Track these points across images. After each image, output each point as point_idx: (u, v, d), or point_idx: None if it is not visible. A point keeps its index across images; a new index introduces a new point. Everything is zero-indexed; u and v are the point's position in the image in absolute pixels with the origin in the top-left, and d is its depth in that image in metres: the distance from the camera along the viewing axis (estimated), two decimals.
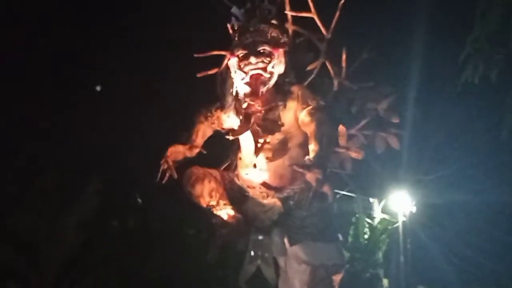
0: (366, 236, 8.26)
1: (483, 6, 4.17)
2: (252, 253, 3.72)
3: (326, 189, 3.33)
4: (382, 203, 9.06)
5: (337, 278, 3.67)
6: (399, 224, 8.84)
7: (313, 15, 3.77)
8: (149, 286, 6.30)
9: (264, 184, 3.66)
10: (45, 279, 6.33)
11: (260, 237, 3.73)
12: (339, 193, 7.98)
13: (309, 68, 3.88)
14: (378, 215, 8.93)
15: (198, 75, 3.96)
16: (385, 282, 8.34)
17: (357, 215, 8.33)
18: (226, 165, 4.01)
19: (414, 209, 8.99)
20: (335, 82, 3.82)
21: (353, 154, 3.69)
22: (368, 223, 8.47)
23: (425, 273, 8.50)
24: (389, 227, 8.68)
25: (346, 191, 8.34)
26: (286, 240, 3.68)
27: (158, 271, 6.14)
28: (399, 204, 8.84)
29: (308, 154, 3.45)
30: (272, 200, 3.64)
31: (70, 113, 6.85)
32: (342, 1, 3.66)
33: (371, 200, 9.06)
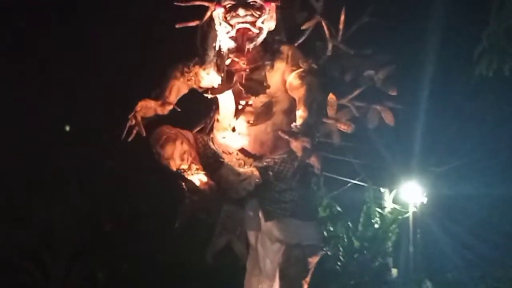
0: (376, 226, 8.31)
1: (499, 1, 4.00)
2: (223, 225, 3.36)
3: (313, 160, 3.03)
4: (393, 193, 9.15)
5: (313, 260, 3.38)
6: (410, 214, 9.05)
7: None
8: (161, 269, 6.17)
9: (242, 151, 3.33)
10: (59, 260, 6.66)
11: (233, 209, 3.37)
12: (350, 182, 8.44)
13: (303, 27, 3.51)
14: (388, 205, 8.98)
15: (177, 26, 3.56)
16: (394, 271, 8.55)
17: (367, 205, 8.37)
18: (200, 127, 3.66)
19: (425, 200, 9.14)
20: (330, 45, 3.46)
21: (342, 127, 3.37)
22: (379, 212, 8.49)
23: (434, 264, 8.59)
24: (400, 217, 8.76)
25: (357, 181, 8.52)
26: (260, 215, 3.35)
27: (170, 254, 5.94)
28: (410, 194, 9.04)
29: (293, 122, 3.15)
30: (249, 169, 3.28)
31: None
32: None
33: (382, 190, 9.12)
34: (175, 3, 3.48)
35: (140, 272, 6.35)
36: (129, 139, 3.32)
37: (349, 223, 8.20)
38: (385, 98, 3.46)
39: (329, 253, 7.76)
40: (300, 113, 3.11)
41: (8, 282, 6.34)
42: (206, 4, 3.46)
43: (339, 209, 8.23)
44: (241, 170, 3.28)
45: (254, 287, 3.47)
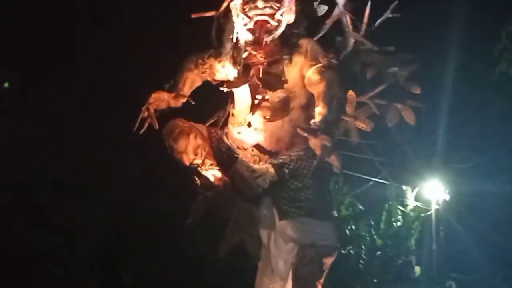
0: (398, 224, 8.26)
1: None
2: (236, 222, 3.29)
3: (333, 159, 2.93)
4: (415, 190, 9.12)
5: (328, 261, 3.27)
6: (432, 212, 9.02)
7: None
8: (181, 270, 6.14)
9: (257, 147, 3.23)
10: (81, 261, 6.62)
11: (247, 206, 3.29)
12: (372, 180, 8.42)
13: (328, 21, 3.41)
14: (411, 202, 8.94)
15: (192, 16, 3.47)
16: (417, 269, 8.45)
17: (389, 203, 8.33)
18: (213, 120, 3.58)
19: (447, 197, 9.11)
20: (351, 40, 3.34)
21: (361, 125, 3.24)
22: (401, 210, 8.44)
23: (458, 261, 8.58)
24: (422, 215, 8.69)
25: (379, 178, 8.48)
26: (275, 213, 3.25)
27: (190, 256, 6.11)
28: (432, 192, 9.01)
29: (311, 118, 3.05)
30: (264, 166, 3.20)
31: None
32: None
33: (404, 187, 9.12)
34: None
35: (165, 272, 6.32)
36: (141, 132, 3.23)
37: (371, 221, 8.15)
38: (407, 96, 3.34)
39: (351, 251, 7.74)
40: (319, 110, 3.00)
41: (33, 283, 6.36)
42: None
43: (361, 207, 8.19)
44: (256, 166, 3.21)
45: (266, 285, 3.36)
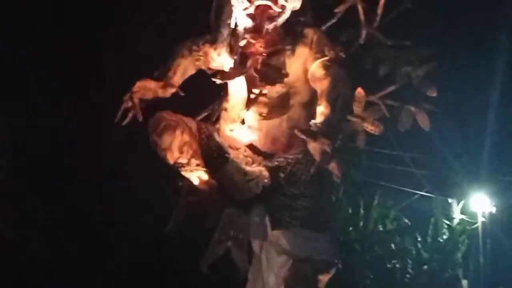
0: (444, 237, 8.40)
1: None
2: (223, 232, 3.00)
3: (333, 166, 2.61)
4: (461, 203, 9.19)
5: (324, 278, 2.96)
6: (479, 225, 9.06)
7: None
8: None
9: (251, 147, 2.96)
10: (128, 276, 6.62)
11: (236, 213, 3.01)
12: (416, 193, 8.58)
13: (337, 10, 3.11)
14: (457, 215, 9.04)
15: None
16: (464, 283, 8.55)
17: (435, 216, 8.48)
18: (204, 115, 3.34)
19: (493, 210, 9.19)
20: (364, 32, 3.04)
21: (369, 127, 2.99)
22: (447, 224, 8.61)
23: (505, 274, 8.68)
24: (468, 228, 8.84)
25: (424, 192, 8.64)
26: (267, 221, 2.95)
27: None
28: (478, 205, 9.10)
29: (313, 118, 2.74)
30: (257, 168, 2.90)
31: None
32: None
33: (449, 200, 9.23)
34: None
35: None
36: (123, 123, 2.94)
37: (417, 235, 8.22)
38: (422, 98, 3.04)
39: (397, 265, 7.75)
40: (322, 109, 2.70)
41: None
42: None
43: (406, 221, 8.23)
44: (248, 169, 2.90)
45: None
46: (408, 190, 8.46)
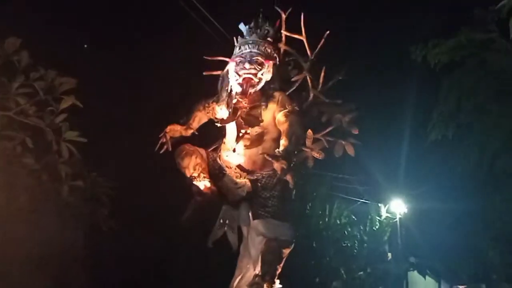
0: (377, 227, 12.96)
1: (445, 90, 5.25)
2: (222, 220, 4.52)
3: (288, 178, 4.09)
4: (386, 206, 14.02)
5: (286, 251, 4.43)
6: (397, 220, 14.31)
7: (303, 38, 4.62)
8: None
9: (239, 166, 4.46)
10: None
11: (230, 209, 4.53)
12: (359, 201, 12.83)
13: (294, 79, 4.71)
14: (383, 214, 13.72)
15: (204, 73, 4.77)
16: (389, 254, 13.69)
17: (371, 214, 13.01)
18: (214, 147, 4.79)
19: (406, 211, 14.59)
20: (311, 94, 4.63)
21: (315, 154, 4.49)
22: (378, 219, 13.11)
23: (413, 249, 14.54)
24: (391, 222, 13.73)
25: (364, 200, 13.12)
26: (250, 214, 4.47)
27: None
28: (396, 207, 14.45)
29: (278, 148, 4.23)
30: (243, 180, 4.42)
31: None
32: (328, 32, 4.52)
33: (379, 205, 13.88)
34: (205, 57, 4.74)
35: None
36: (160, 152, 4.52)
37: (359, 226, 12.34)
38: (349, 135, 4.60)
39: (349, 244, 11.61)
40: (283, 142, 4.22)
41: None
42: (226, 59, 4.66)
43: (354, 217, 12.23)
44: (238, 180, 4.43)
45: (244, 264, 4.52)
46: (355, 199, 12.66)
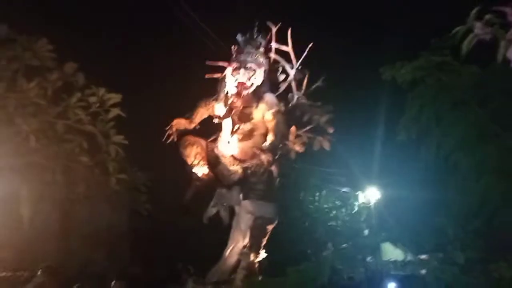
0: (355, 210, 14.29)
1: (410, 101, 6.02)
2: (216, 200, 5.34)
3: (273, 168, 4.96)
4: (363, 194, 15.20)
5: (270, 227, 5.26)
6: (372, 204, 15.14)
7: (289, 50, 5.43)
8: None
9: (233, 156, 5.26)
10: None
11: (224, 191, 5.35)
12: (341, 190, 13.90)
13: (280, 83, 5.53)
14: (361, 200, 15.02)
15: (206, 76, 5.49)
16: (366, 231, 14.37)
17: (350, 200, 14.44)
18: (213, 138, 5.55)
19: (379, 197, 15.43)
20: (295, 97, 5.46)
21: (297, 148, 5.34)
22: (357, 204, 14.44)
23: (385, 229, 14.69)
24: (367, 206, 14.80)
25: (346, 189, 14.34)
26: (241, 196, 5.29)
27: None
28: (371, 194, 15.46)
29: (265, 141, 5.06)
30: (236, 167, 5.23)
31: None
32: (310, 44, 5.32)
33: (356, 193, 15.07)
34: (207, 63, 5.45)
35: None
36: (167, 142, 5.34)
37: (342, 209, 13.83)
38: (325, 133, 5.43)
39: (334, 223, 13.12)
40: (269, 137, 5.06)
41: None
42: (225, 64, 5.41)
43: (338, 202, 13.89)
44: (231, 167, 5.24)
45: (235, 237, 5.29)
46: (338, 188, 13.92)
